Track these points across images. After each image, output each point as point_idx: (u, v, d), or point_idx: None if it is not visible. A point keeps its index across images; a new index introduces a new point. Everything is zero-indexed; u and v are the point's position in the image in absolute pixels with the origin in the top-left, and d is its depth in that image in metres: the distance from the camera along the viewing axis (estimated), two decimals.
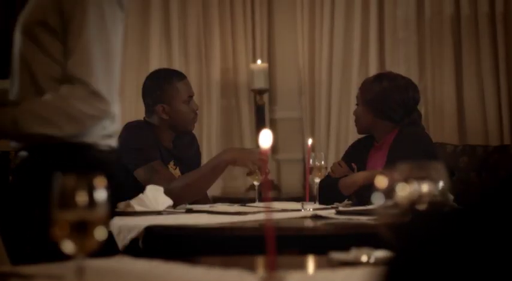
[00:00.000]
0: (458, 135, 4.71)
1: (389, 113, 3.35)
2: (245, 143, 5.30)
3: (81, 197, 1.14)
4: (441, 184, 1.19)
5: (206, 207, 3.12)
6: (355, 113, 3.47)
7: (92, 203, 1.15)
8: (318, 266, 1.64)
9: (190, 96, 3.46)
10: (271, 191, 4.86)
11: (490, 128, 4.57)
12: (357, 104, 3.47)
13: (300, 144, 5.36)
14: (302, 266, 1.70)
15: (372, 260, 1.64)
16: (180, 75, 3.50)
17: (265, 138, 1.31)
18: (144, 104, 3.51)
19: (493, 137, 4.54)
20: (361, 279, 1.42)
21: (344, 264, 1.60)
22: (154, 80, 3.49)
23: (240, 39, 5.35)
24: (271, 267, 1.29)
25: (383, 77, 3.42)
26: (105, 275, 1.47)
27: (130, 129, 3.37)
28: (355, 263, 1.61)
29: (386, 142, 3.37)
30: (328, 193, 3.23)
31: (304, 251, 2.02)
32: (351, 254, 1.68)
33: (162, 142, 3.43)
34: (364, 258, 1.64)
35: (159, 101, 3.42)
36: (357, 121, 3.46)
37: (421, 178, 1.19)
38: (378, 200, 1.16)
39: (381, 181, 1.16)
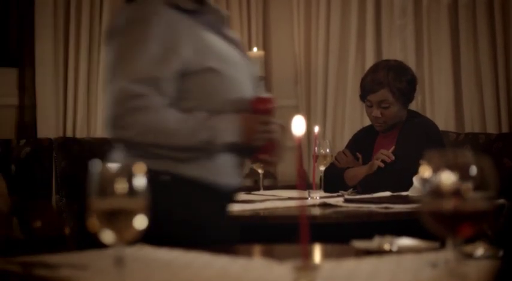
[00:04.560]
0: (456, 123, 4.71)
1: (411, 100, 3.36)
2: None
3: (120, 185, 1.12)
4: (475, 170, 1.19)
5: None
6: (389, 114, 3.32)
7: (131, 191, 1.13)
8: (343, 254, 1.62)
9: None
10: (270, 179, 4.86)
11: (487, 116, 4.57)
12: (385, 107, 3.31)
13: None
14: (326, 255, 1.69)
15: (395, 248, 1.63)
16: None
17: (298, 125, 1.29)
18: None
19: (490, 125, 4.53)
20: (389, 267, 1.41)
21: (367, 252, 1.60)
22: None
23: (236, 27, 5.31)
24: (305, 256, 1.28)
25: (401, 69, 3.37)
26: (128, 263, 1.45)
27: None
28: (379, 252, 1.60)
29: (395, 130, 3.36)
30: (334, 182, 3.22)
31: (315, 240, 2.01)
32: (374, 243, 1.67)
33: None
34: (387, 246, 1.64)
35: None
36: (388, 121, 3.34)
37: (459, 166, 1.18)
38: (420, 189, 1.15)
39: (425, 170, 1.14)
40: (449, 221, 1.12)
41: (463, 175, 1.16)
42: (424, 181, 1.15)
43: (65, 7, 4.57)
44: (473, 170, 1.16)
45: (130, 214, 1.13)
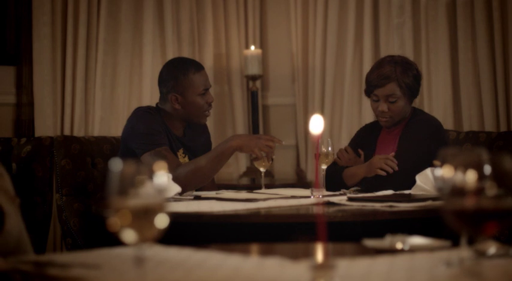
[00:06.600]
0: (454, 122, 4.71)
1: (416, 96, 3.36)
2: (238, 129, 5.28)
3: (141, 184, 1.11)
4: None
5: (213, 194, 3.10)
6: (396, 109, 3.31)
7: (152, 190, 1.12)
8: (355, 253, 1.62)
9: (206, 89, 3.42)
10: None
11: (485, 114, 4.57)
12: (392, 101, 3.30)
13: (292, 130, 5.34)
14: (338, 254, 1.68)
15: (407, 247, 1.63)
16: (197, 67, 3.46)
17: (317, 124, 1.29)
18: (159, 90, 3.48)
19: (488, 123, 4.54)
20: (404, 266, 1.41)
21: (379, 251, 1.59)
22: (170, 69, 3.46)
23: (233, 24, 5.31)
24: (322, 254, 1.27)
25: (407, 64, 3.36)
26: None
27: (139, 114, 3.36)
28: (391, 251, 1.59)
29: (398, 127, 3.35)
30: (335, 181, 3.21)
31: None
32: (385, 242, 1.66)
33: (173, 129, 3.41)
34: (399, 245, 1.63)
35: (172, 90, 3.39)
36: (394, 116, 3.33)
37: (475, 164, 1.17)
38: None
39: (441, 169, 1.14)
40: (473, 220, 1.12)
41: (482, 173, 1.15)
42: (442, 179, 1.15)
43: (63, 5, 4.56)
44: (492, 168, 1.16)
45: (152, 212, 1.12)
